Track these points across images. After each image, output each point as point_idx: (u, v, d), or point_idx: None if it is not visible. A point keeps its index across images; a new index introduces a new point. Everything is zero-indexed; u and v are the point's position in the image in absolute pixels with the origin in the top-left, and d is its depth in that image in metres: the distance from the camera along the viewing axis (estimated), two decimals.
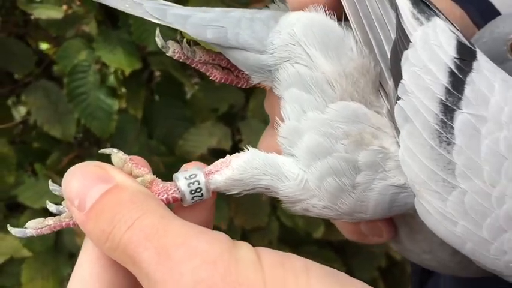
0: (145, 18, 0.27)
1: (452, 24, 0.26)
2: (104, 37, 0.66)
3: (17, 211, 0.87)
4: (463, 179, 0.22)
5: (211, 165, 0.25)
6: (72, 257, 0.85)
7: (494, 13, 0.35)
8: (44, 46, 0.94)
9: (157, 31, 0.27)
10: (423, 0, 0.26)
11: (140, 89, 0.71)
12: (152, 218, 0.20)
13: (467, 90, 0.23)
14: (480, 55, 0.25)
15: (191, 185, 0.24)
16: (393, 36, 0.24)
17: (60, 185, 0.24)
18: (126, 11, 0.27)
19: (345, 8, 0.25)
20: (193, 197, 0.24)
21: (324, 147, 0.24)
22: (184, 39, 0.27)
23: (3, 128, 0.78)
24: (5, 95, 0.81)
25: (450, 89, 0.23)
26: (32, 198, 0.79)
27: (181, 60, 0.28)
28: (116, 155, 0.25)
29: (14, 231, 0.25)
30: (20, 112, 0.90)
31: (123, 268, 0.21)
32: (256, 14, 0.27)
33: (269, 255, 0.20)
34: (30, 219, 0.25)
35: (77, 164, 0.23)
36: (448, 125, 0.23)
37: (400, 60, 0.24)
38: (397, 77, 0.24)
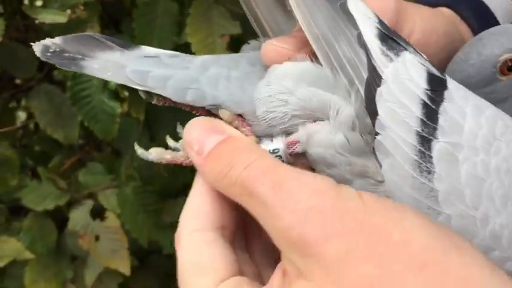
0: (127, 84, 0.28)
1: (422, 56, 0.27)
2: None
3: (19, 214, 0.88)
4: (447, 204, 0.23)
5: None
6: (74, 259, 0.86)
7: (486, 12, 0.36)
8: None
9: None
10: (391, 36, 0.26)
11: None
12: (266, 160, 0.24)
13: (441, 119, 0.24)
14: (451, 83, 0.26)
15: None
16: (365, 75, 0.25)
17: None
18: (108, 79, 0.29)
19: (316, 52, 0.26)
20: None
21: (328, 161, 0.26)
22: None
23: (6, 131, 0.79)
24: (7, 99, 0.82)
25: (425, 120, 0.24)
26: (35, 201, 0.80)
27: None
28: (225, 112, 0.27)
29: (139, 151, 0.29)
30: (20, 117, 0.91)
31: (228, 199, 0.25)
32: (233, 72, 0.28)
33: (368, 193, 0.23)
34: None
35: (196, 118, 0.27)
36: (427, 154, 0.24)
37: (374, 97, 0.25)
38: (373, 114, 0.25)
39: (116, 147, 0.83)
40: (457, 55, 0.30)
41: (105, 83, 0.69)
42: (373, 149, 0.25)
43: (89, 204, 0.80)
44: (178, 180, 0.83)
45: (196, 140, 0.26)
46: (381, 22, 0.27)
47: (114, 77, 0.28)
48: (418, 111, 0.25)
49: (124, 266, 0.77)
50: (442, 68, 0.32)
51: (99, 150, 0.87)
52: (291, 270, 0.23)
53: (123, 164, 0.78)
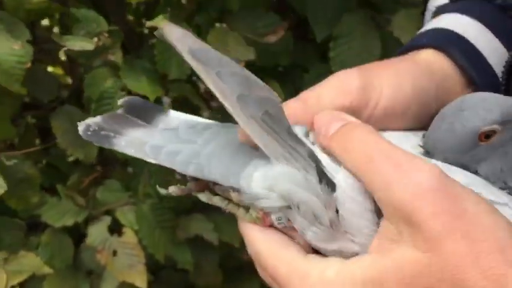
0: (145, 159, 0.33)
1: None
2: (129, 66, 0.71)
3: (37, 229, 0.91)
4: None
5: None
6: (90, 274, 0.89)
7: (477, 54, 0.39)
8: (57, 71, 0.99)
9: (157, 187, 0.35)
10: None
11: None
12: (382, 142, 0.29)
13: None
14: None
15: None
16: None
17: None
18: (131, 155, 0.33)
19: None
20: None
21: None
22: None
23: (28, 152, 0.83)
24: (30, 119, 0.86)
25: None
26: (54, 217, 0.84)
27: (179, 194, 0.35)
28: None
29: (162, 191, 0.34)
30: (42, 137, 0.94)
31: None
32: (227, 149, 0.32)
33: (469, 189, 0.28)
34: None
35: (326, 110, 0.32)
36: None
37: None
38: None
39: (133, 166, 0.86)
40: (439, 123, 0.33)
41: None
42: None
43: (106, 220, 0.83)
44: (191, 197, 0.87)
45: (324, 124, 0.31)
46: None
47: (136, 153, 0.33)
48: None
49: (141, 280, 0.80)
50: (419, 123, 0.36)
51: (115, 168, 0.90)
52: (395, 238, 0.27)
53: (140, 182, 0.82)
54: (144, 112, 0.35)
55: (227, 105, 0.29)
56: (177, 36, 0.30)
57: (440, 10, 0.42)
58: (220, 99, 0.29)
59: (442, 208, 0.26)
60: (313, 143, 0.32)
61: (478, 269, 0.25)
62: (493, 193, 0.30)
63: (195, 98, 0.77)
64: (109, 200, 0.83)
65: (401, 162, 0.27)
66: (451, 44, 0.39)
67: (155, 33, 0.33)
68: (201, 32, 0.74)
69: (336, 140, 0.30)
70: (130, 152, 0.33)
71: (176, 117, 0.35)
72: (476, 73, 0.38)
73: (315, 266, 0.29)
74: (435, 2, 0.44)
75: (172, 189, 0.34)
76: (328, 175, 0.29)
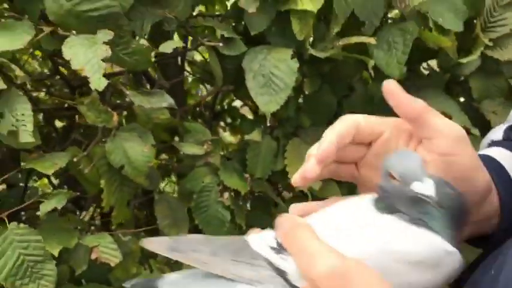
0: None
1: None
2: (225, 167, 0.93)
3: None
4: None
5: None
6: None
7: (505, 175, 0.52)
8: None
9: None
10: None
11: (243, 205, 0.96)
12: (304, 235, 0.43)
13: None
14: None
15: None
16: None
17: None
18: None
19: None
20: None
21: None
22: None
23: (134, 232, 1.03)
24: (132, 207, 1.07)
25: None
26: None
27: None
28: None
29: None
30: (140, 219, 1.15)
31: None
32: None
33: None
34: None
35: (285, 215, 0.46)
36: None
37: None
38: None
39: None
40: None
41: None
42: None
43: None
44: None
45: (279, 225, 0.45)
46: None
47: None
48: None
49: None
50: None
51: None
52: None
53: None
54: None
55: (207, 263, 0.43)
56: (154, 246, 0.44)
57: (493, 144, 0.57)
58: (203, 266, 0.43)
59: (335, 284, 0.38)
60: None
61: None
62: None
63: (272, 194, 0.97)
64: None
65: (315, 253, 0.40)
66: (490, 163, 0.51)
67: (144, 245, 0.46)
68: (279, 143, 0.96)
69: (284, 238, 0.43)
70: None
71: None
72: (501, 186, 0.50)
73: None
74: (493, 135, 0.59)
75: None
76: (279, 266, 0.43)
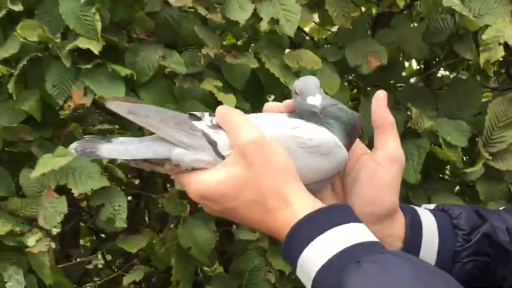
0: (122, 157, 0.54)
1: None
2: (272, 250, 1.14)
3: None
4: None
5: None
6: None
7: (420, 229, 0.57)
8: None
9: None
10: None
11: (287, 284, 1.16)
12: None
13: None
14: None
15: None
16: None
17: None
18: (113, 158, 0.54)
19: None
20: None
21: None
22: None
23: None
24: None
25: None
26: None
27: None
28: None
29: None
30: None
31: None
32: (158, 145, 0.54)
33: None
34: None
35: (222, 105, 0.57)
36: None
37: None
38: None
39: None
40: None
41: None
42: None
43: None
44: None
45: (218, 112, 0.55)
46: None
47: (118, 156, 0.54)
48: None
49: None
50: None
51: None
52: (234, 161, 0.51)
53: None
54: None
55: (156, 127, 0.52)
56: (116, 106, 0.53)
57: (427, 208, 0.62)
58: (152, 129, 0.52)
59: (256, 150, 0.50)
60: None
61: (270, 182, 0.50)
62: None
63: None
64: None
65: (242, 127, 0.52)
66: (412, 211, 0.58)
67: (107, 105, 0.53)
68: None
69: (219, 117, 0.54)
70: (113, 156, 0.53)
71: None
72: (410, 227, 0.57)
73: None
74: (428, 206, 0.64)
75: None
76: (212, 137, 0.53)
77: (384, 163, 0.55)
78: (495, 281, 0.58)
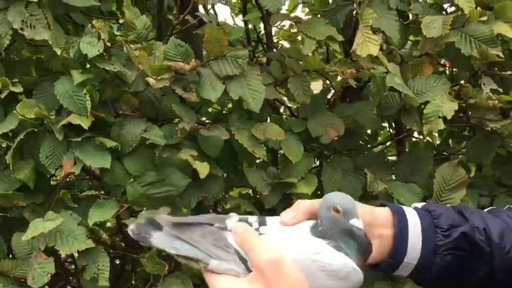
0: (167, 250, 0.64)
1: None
2: None
3: None
4: None
5: None
6: None
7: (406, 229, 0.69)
8: None
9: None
10: None
11: None
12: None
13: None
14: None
15: None
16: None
17: None
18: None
19: None
20: None
21: None
22: None
23: None
24: None
25: None
26: None
27: None
28: None
29: None
30: None
31: None
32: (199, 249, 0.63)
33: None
34: None
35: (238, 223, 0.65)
36: None
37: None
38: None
39: None
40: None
41: None
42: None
43: None
44: None
45: (234, 230, 0.63)
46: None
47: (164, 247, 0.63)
48: None
49: None
50: None
51: None
52: (254, 277, 0.59)
53: None
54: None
55: (197, 242, 0.61)
56: (160, 218, 0.63)
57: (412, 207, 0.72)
58: (194, 242, 0.61)
59: (273, 269, 0.57)
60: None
61: None
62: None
63: None
64: None
65: (260, 248, 0.58)
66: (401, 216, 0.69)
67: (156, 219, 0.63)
68: None
69: (237, 238, 0.61)
70: (162, 247, 0.62)
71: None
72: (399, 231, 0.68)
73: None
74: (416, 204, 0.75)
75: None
76: (242, 254, 0.60)
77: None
78: (471, 271, 0.69)
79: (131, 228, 0.62)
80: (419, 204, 0.73)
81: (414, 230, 0.68)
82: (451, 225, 0.69)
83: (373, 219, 0.67)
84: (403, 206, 0.71)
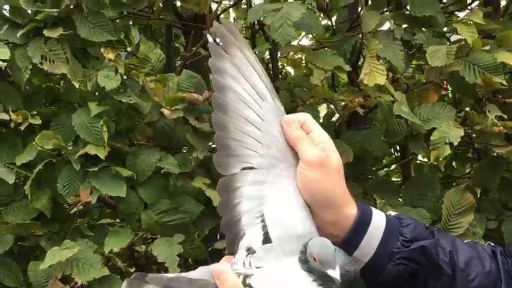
0: None
1: None
2: None
3: None
4: None
5: None
6: None
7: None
8: None
9: None
10: None
11: None
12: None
13: None
14: None
15: None
16: None
17: None
18: None
19: None
20: None
21: None
22: None
23: None
24: None
25: None
26: None
27: None
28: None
29: None
30: None
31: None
32: None
33: None
34: None
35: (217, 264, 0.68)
36: None
37: None
38: None
39: None
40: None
41: None
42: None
43: None
44: None
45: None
46: None
47: None
48: None
49: None
50: None
51: None
52: None
53: None
54: None
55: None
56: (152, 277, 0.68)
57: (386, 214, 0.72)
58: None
59: None
60: None
61: None
62: None
63: None
64: None
65: None
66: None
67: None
68: None
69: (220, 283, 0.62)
70: None
71: None
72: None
73: None
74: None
75: None
76: None
77: (305, 167, 0.68)
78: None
79: (123, 286, 0.67)
80: (393, 213, 0.75)
81: (376, 229, 0.69)
82: (414, 237, 0.70)
83: (337, 220, 0.69)
84: (374, 209, 0.72)
